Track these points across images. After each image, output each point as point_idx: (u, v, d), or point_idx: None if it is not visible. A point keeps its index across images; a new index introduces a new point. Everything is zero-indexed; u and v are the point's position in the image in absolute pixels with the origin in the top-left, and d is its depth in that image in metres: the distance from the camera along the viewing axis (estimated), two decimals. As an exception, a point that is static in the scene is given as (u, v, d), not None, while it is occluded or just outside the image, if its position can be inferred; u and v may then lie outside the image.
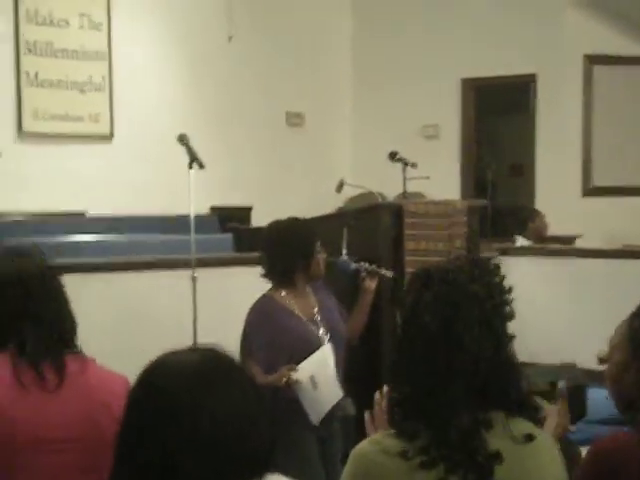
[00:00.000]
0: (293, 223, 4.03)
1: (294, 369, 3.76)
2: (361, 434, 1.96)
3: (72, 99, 8.43)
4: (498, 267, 1.87)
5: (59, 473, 2.05)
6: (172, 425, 1.54)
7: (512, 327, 1.87)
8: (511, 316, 1.83)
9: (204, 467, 1.54)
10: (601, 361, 2.12)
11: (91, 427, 2.09)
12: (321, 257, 3.99)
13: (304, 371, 3.85)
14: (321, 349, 3.93)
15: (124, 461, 1.60)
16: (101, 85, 8.59)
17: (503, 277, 1.85)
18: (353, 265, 4.28)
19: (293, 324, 3.90)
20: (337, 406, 4.09)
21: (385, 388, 1.90)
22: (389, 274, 4.45)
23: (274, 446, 1.67)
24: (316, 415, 3.91)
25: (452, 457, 1.72)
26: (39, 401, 2.07)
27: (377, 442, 1.79)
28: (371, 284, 4.24)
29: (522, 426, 1.81)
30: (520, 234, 8.12)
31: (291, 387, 3.78)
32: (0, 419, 2.04)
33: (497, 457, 1.74)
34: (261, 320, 3.88)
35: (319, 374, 3.90)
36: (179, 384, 1.58)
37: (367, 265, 4.28)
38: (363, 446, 1.82)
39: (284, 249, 3.92)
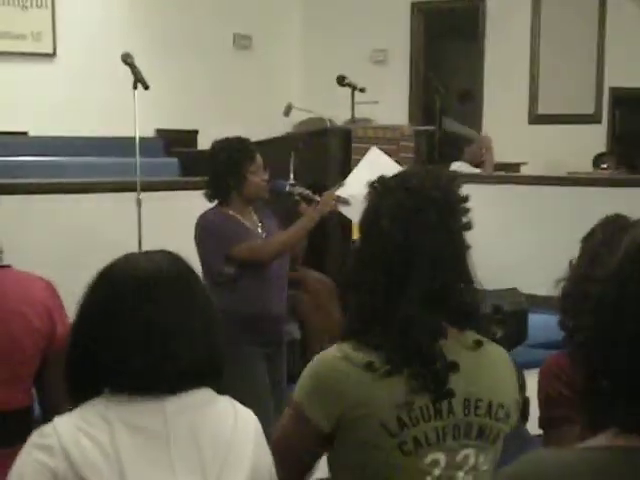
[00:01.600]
0: (229, 141, 4.02)
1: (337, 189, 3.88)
2: (305, 358, 1.98)
3: (13, 16, 8.20)
4: (455, 177, 1.88)
5: None
6: (118, 321, 1.59)
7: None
8: (469, 226, 1.85)
9: (146, 365, 1.58)
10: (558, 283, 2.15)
11: (6, 338, 2.03)
12: (260, 179, 3.97)
13: (353, 183, 3.87)
14: (370, 151, 4.04)
15: (82, 351, 1.63)
16: (43, 1, 8.36)
17: (459, 186, 1.86)
18: (288, 187, 4.27)
19: (242, 231, 3.93)
20: (284, 328, 4.12)
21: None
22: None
23: (214, 361, 1.69)
24: None
25: (413, 366, 1.75)
26: None
27: (341, 351, 1.80)
28: (307, 209, 4.24)
29: (471, 335, 1.85)
30: (458, 159, 8.12)
31: (343, 205, 3.93)
32: None
33: (454, 366, 1.78)
34: (210, 227, 3.91)
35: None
36: (128, 285, 1.62)
37: (301, 189, 4.26)
38: (327, 353, 1.83)
39: (217, 167, 3.94)
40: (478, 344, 1.83)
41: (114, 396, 1.58)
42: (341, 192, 3.94)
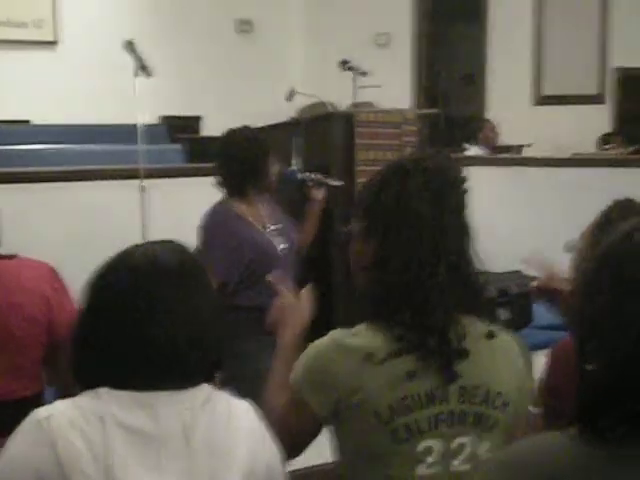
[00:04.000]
0: (244, 134, 3.97)
1: None
2: (312, 341, 1.97)
3: (14, 3, 8.18)
4: (452, 159, 1.90)
5: None
6: (129, 309, 1.57)
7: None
8: (466, 205, 1.86)
9: (154, 361, 1.57)
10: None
11: (2, 330, 2.03)
12: (274, 170, 3.96)
13: None
14: None
15: (81, 346, 1.62)
16: (44, -11, 8.34)
17: (460, 167, 1.88)
18: (299, 175, 4.25)
19: (248, 232, 3.89)
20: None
21: None
22: (336, 183, 4.43)
23: (221, 356, 1.68)
24: None
25: (425, 346, 1.75)
26: None
27: (335, 338, 1.80)
28: (318, 194, 4.22)
29: (482, 324, 1.84)
30: (470, 143, 8.16)
31: None
32: None
33: (464, 353, 1.78)
34: (216, 225, 3.87)
35: None
36: (125, 278, 1.60)
37: (313, 175, 4.25)
38: (322, 340, 1.83)
39: (237, 162, 3.88)
40: (490, 335, 1.83)
41: (111, 391, 1.56)
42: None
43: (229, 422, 1.61)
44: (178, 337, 1.58)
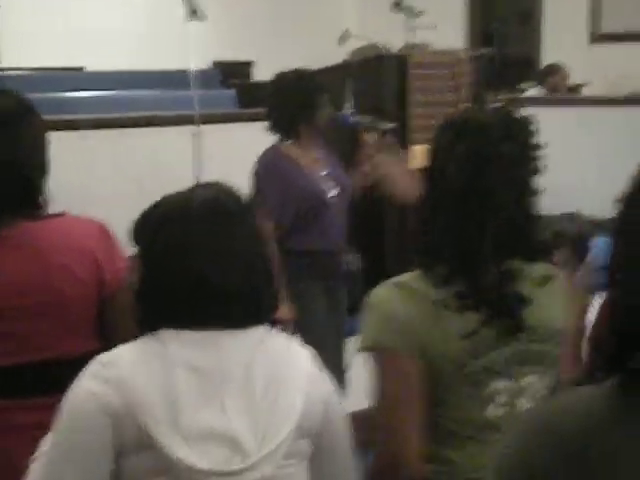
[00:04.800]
0: (298, 75, 3.96)
1: None
2: (366, 288, 1.97)
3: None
4: (532, 122, 1.85)
5: (29, 337, 2.02)
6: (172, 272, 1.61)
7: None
8: (538, 172, 1.83)
9: (210, 300, 1.60)
10: None
11: (51, 294, 2.02)
12: (325, 112, 3.94)
13: None
14: None
15: (140, 293, 1.66)
16: None
17: (534, 133, 1.84)
18: (351, 119, 4.21)
19: (298, 175, 3.89)
20: (342, 261, 4.13)
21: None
22: (388, 126, 4.39)
23: (273, 299, 1.70)
24: None
25: (487, 302, 1.75)
26: None
27: (402, 283, 1.80)
28: (369, 137, 4.20)
29: (540, 269, 1.86)
30: (535, 84, 8.00)
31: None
32: None
33: (526, 301, 1.79)
34: (267, 169, 3.88)
35: None
36: (178, 220, 1.63)
37: (365, 119, 4.21)
38: (385, 287, 1.82)
39: (288, 100, 3.87)
40: (546, 279, 1.85)
41: (172, 332, 1.59)
42: None
43: (285, 361, 1.63)
44: (231, 277, 1.60)
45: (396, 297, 1.79)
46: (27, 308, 2.01)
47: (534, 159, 1.83)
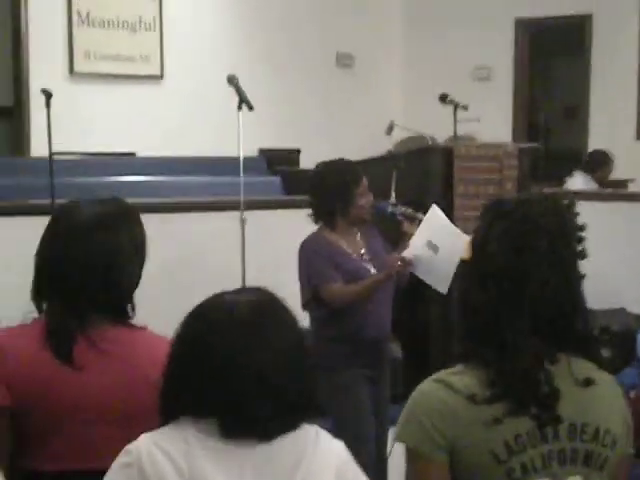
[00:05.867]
0: (336, 164, 4.02)
1: (402, 254, 3.81)
2: (408, 378, 1.96)
3: (123, 39, 8.43)
4: (572, 204, 1.85)
5: (98, 442, 2.03)
6: (212, 377, 1.62)
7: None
8: (583, 255, 1.82)
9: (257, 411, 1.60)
10: None
11: (130, 399, 2.05)
12: (366, 200, 3.97)
13: (417, 244, 3.85)
14: (430, 210, 3.94)
15: (167, 388, 1.68)
16: (152, 25, 8.58)
17: (576, 214, 1.84)
18: (390, 208, 4.24)
19: (341, 257, 3.92)
20: (387, 349, 4.11)
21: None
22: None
23: (313, 395, 1.69)
24: (446, 280, 3.78)
25: (516, 390, 1.73)
26: (75, 374, 2.02)
27: (440, 379, 1.79)
28: (410, 227, 4.21)
29: (584, 367, 1.82)
30: (587, 173, 7.90)
31: (408, 268, 3.83)
32: (37, 383, 2.01)
33: (557, 393, 1.75)
34: (313, 251, 3.91)
35: (436, 234, 3.85)
36: (222, 339, 1.64)
37: (403, 209, 4.23)
38: (426, 385, 1.82)
39: (324, 190, 3.94)
40: (589, 382, 1.81)
41: (194, 425, 1.62)
42: (406, 253, 3.85)
43: (314, 456, 1.63)
44: (259, 387, 1.61)
45: (436, 394, 1.77)
46: (108, 415, 2.02)
47: (578, 239, 1.82)
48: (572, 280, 1.81)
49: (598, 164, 8.04)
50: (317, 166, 4.09)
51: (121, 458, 1.62)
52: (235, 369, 1.61)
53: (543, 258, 1.77)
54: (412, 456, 1.78)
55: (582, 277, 1.83)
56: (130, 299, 2.13)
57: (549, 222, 1.78)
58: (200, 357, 1.63)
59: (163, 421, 1.67)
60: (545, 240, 1.77)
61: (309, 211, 4.04)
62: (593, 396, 1.81)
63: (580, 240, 1.82)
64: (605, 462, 1.79)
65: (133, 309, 2.14)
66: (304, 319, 3.87)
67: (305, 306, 3.90)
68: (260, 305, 1.69)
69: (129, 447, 1.62)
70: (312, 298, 3.89)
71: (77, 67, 8.17)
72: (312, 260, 3.89)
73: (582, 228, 1.83)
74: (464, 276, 1.88)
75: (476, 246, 1.85)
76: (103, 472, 1.79)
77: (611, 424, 1.81)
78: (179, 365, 1.67)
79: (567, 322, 1.79)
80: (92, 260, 2.06)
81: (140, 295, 2.22)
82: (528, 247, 1.77)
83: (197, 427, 1.60)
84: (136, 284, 2.15)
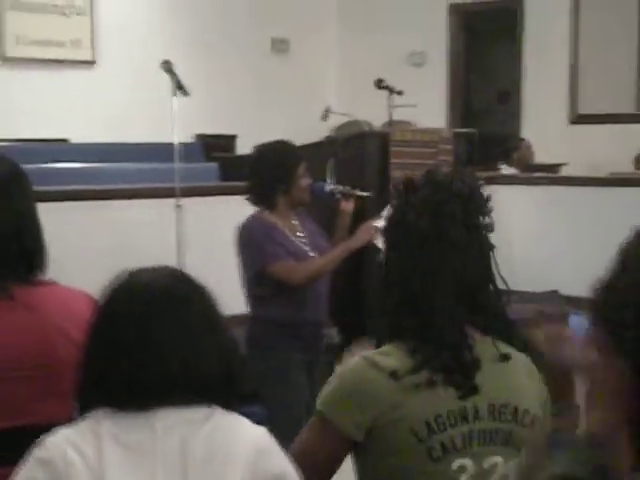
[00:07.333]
0: (276, 146, 4.00)
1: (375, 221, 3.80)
2: (344, 363, 1.98)
3: (54, 23, 8.29)
4: (478, 177, 1.91)
5: (18, 400, 2.01)
6: (120, 352, 1.64)
7: (497, 254, 1.90)
8: (492, 227, 1.86)
9: (136, 380, 1.62)
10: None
11: (47, 354, 2.04)
12: (305, 182, 3.96)
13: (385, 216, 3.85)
14: None
15: (82, 368, 1.69)
16: (83, 9, 8.45)
17: (482, 184, 1.88)
18: (327, 187, 4.24)
19: (283, 240, 3.90)
20: (323, 334, 4.11)
21: None
22: (364, 194, 4.41)
23: (229, 379, 1.69)
24: None
25: (441, 357, 1.76)
26: None
27: (368, 358, 1.81)
28: (347, 205, 4.22)
29: (500, 347, 1.85)
30: (504, 163, 8.13)
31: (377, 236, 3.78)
32: None
33: (478, 363, 1.79)
34: (255, 232, 3.87)
35: None
36: (132, 314, 1.66)
37: (341, 187, 4.24)
38: (354, 362, 1.84)
39: (265, 171, 3.90)
40: (506, 357, 1.84)
41: (108, 410, 1.61)
42: (377, 223, 3.87)
43: (230, 438, 1.62)
44: (171, 361, 1.62)
45: (361, 372, 1.80)
46: (21, 370, 2.00)
47: (485, 208, 1.85)
48: (485, 248, 1.85)
49: (511, 149, 8.27)
50: (256, 147, 4.06)
51: (35, 451, 1.60)
52: (140, 345, 1.63)
53: (460, 223, 1.81)
54: (322, 416, 1.82)
55: (492, 248, 1.87)
56: (34, 256, 2.11)
57: (460, 188, 1.83)
58: (108, 336, 1.66)
59: (80, 411, 1.67)
60: (459, 206, 1.81)
61: (247, 195, 4.00)
62: (509, 371, 1.84)
63: (489, 211, 1.87)
64: (524, 443, 1.81)
65: (42, 270, 2.12)
66: (240, 303, 3.86)
67: (249, 288, 3.86)
68: (169, 283, 1.70)
69: (44, 441, 1.61)
70: (255, 278, 3.86)
71: (8, 52, 8.03)
72: (256, 240, 3.85)
73: (489, 199, 1.87)
74: (386, 251, 1.90)
75: (396, 220, 1.88)
76: (30, 428, 1.84)
77: (529, 404, 1.85)
78: (93, 345, 1.69)
79: (483, 294, 1.83)
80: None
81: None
82: (444, 213, 1.81)
83: (112, 420, 1.60)
84: (36, 239, 2.13)
